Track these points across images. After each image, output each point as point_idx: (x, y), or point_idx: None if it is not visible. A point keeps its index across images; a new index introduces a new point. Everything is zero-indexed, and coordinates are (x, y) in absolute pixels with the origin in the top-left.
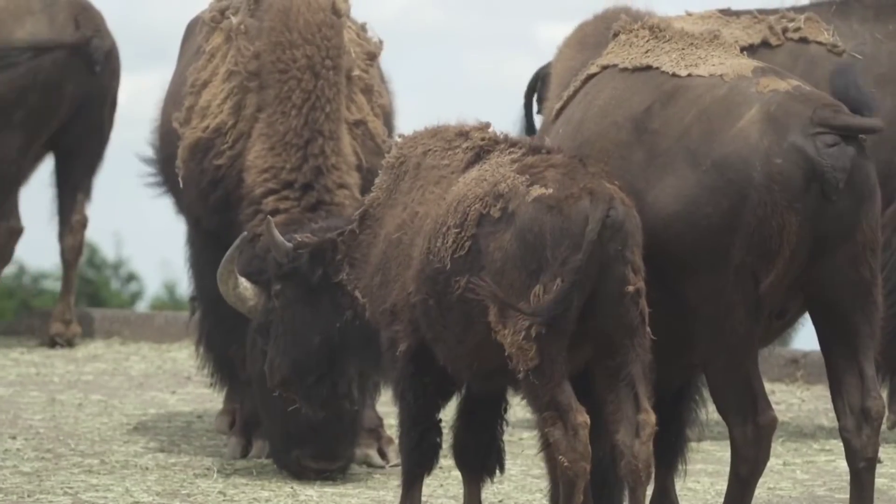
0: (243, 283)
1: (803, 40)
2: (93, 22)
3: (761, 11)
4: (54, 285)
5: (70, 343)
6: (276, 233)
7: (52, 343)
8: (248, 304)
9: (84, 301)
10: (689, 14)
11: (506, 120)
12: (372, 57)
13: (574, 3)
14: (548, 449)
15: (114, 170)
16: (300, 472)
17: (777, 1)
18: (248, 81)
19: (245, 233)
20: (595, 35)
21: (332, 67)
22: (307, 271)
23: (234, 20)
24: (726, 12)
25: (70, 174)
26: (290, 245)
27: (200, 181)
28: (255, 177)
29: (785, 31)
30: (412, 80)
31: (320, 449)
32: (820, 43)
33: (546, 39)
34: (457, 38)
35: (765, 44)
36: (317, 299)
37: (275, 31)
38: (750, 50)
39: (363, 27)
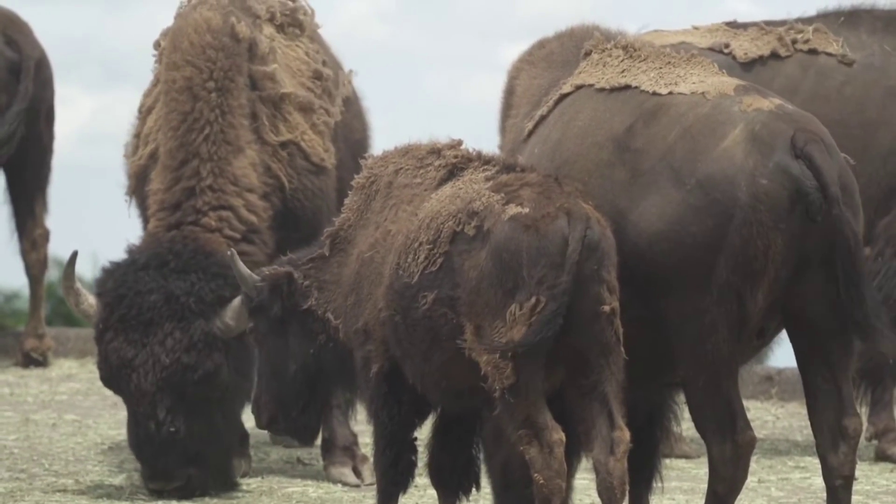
0: (87, 298)
1: (813, 51)
2: (20, 33)
3: (768, 23)
4: (27, 305)
5: (45, 357)
6: (242, 266)
7: (27, 361)
8: (95, 319)
9: (59, 321)
10: (696, 27)
11: (468, 140)
12: (318, 76)
13: (523, 22)
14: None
15: (87, 187)
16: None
17: (783, 12)
18: (161, 105)
19: (76, 249)
20: (562, 53)
21: (217, 90)
22: (270, 304)
23: (163, 43)
24: (733, 24)
25: (22, 189)
26: (257, 278)
27: (144, 208)
28: (150, 199)
29: (794, 42)
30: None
31: (154, 470)
32: (829, 54)
33: (507, 58)
34: (410, 57)
35: (774, 55)
36: (287, 329)
37: (166, 52)
38: (760, 61)
39: (326, 55)
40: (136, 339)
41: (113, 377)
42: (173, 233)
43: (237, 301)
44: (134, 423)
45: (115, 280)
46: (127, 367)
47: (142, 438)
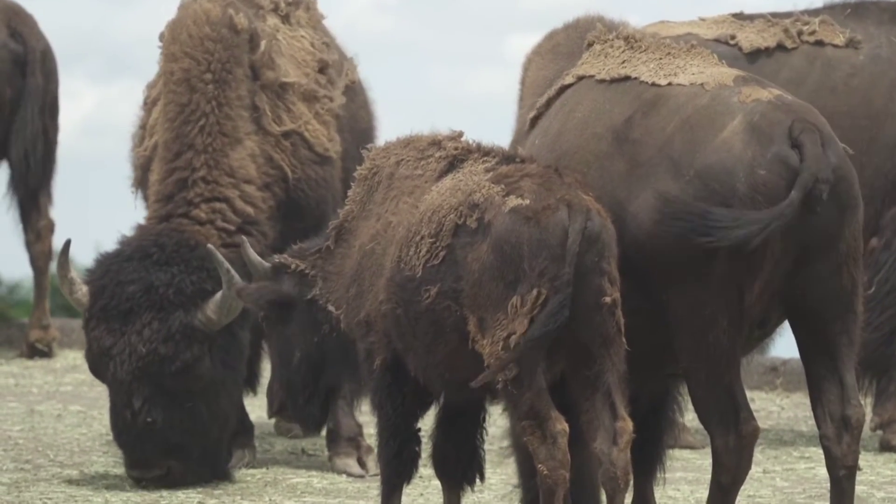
0: (81, 287)
1: (819, 43)
2: (25, 25)
3: (774, 15)
4: (31, 295)
5: (50, 347)
6: (254, 254)
7: (32, 352)
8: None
9: (63, 312)
10: (703, 19)
11: (474, 133)
12: (323, 65)
13: (528, 15)
14: (518, 452)
15: (91, 179)
16: (131, 481)
17: (789, 4)
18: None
19: (69, 238)
20: (568, 44)
21: (214, 81)
22: (279, 292)
23: (167, 35)
24: (739, 16)
25: (26, 180)
26: (268, 266)
27: (147, 199)
28: (149, 190)
29: (800, 33)
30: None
31: (133, 458)
32: (835, 45)
33: (511, 51)
34: (412, 50)
35: (780, 47)
36: (294, 318)
37: (165, 43)
38: (766, 53)
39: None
40: (116, 328)
41: (95, 365)
42: (163, 225)
43: (219, 295)
44: (113, 412)
45: (100, 270)
46: (105, 355)
47: (119, 427)
